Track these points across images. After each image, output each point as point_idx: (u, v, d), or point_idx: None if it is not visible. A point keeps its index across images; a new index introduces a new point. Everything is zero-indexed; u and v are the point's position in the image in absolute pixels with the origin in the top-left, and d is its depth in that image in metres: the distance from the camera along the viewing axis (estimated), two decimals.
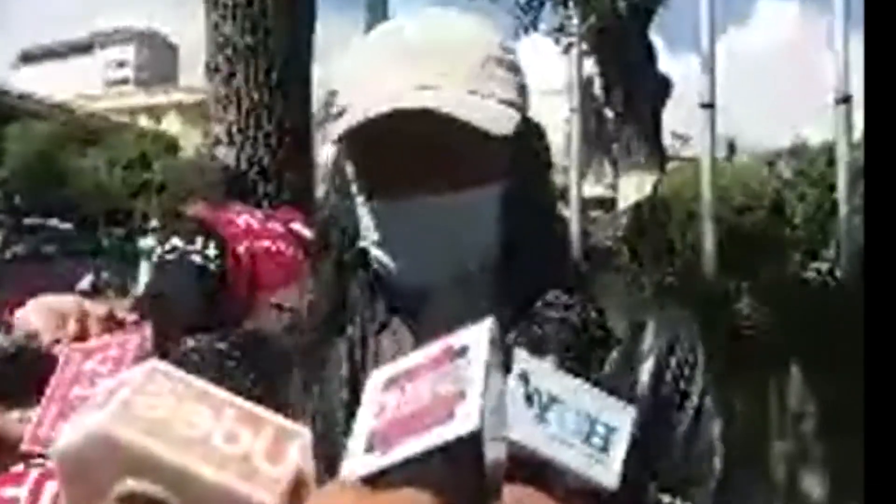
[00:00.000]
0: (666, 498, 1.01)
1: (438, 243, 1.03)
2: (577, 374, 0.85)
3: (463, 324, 0.84)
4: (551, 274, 1.08)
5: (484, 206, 1.05)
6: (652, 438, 1.00)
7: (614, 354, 1.05)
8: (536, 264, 1.08)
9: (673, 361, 1.07)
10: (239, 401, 0.78)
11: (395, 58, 1.04)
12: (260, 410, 0.78)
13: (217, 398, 0.77)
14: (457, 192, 1.03)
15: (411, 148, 1.01)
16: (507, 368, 0.83)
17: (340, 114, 1.06)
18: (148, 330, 1.03)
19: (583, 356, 1.02)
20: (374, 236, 1.07)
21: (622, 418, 0.83)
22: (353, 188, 1.09)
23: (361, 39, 1.14)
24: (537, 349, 0.97)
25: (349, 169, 1.10)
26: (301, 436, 0.78)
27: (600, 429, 0.81)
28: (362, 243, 1.09)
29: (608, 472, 0.80)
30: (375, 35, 1.13)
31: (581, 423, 0.81)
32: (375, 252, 1.07)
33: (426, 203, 1.02)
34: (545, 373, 0.83)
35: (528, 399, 0.81)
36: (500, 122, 1.01)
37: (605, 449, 0.81)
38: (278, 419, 0.78)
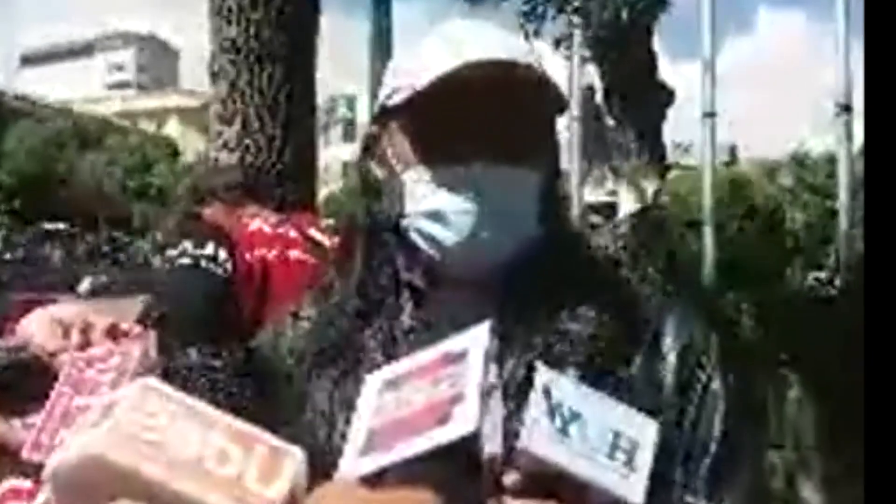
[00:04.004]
0: (690, 498, 1.00)
1: (488, 218, 1.03)
2: (599, 389, 0.85)
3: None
4: (567, 274, 1.08)
5: (529, 188, 1.06)
6: (677, 436, 1.01)
7: (638, 358, 1.04)
8: (556, 263, 1.08)
9: (692, 358, 1.06)
10: (232, 420, 0.77)
11: (448, 41, 1.06)
12: (253, 429, 0.77)
13: (210, 417, 0.77)
14: (511, 167, 1.04)
15: (475, 113, 1.02)
16: (529, 383, 0.82)
17: (390, 95, 1.07)
18: (152, 339, 1.02)
19: (605, 370, 1.01)
20: (427, 206, 1.05)
21: (646, 433, 0.82)
22: (400, 163, 1.08)
23: (420, 36, 1.15)
24: (559, 364, 0.96)
25: (401, 141, 1.08)
26: (293, 454, 0.77)
27: (624, 444, 0.80)
28: (406, 221, 1.08)
29: (633, 488, 0.78)
30: (432, 31, 1.14)
31: (604, 438, 0.80)
32: (424, 225, 1.06)
33: (485, 172, 1.03)
34: (568, 388, 0.82)
35: (551, 414, 0.80)
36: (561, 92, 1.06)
37: (629, 464, 0.79)
38: (271, 438, 0.77)
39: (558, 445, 0.78)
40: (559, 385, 0.82)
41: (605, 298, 1.06)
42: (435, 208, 1.04)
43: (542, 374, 0.82)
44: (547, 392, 0.81)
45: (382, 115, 1.10)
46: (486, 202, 1.03)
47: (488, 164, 1.02)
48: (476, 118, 1.02)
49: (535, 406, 0.80)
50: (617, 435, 0.81)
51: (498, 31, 1.10)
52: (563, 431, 0.79)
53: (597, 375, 0.98)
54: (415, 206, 1.06)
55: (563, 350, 1.02)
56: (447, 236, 1.04)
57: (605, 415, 0.82)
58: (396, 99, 1.06)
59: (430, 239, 1.06)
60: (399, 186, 1.08)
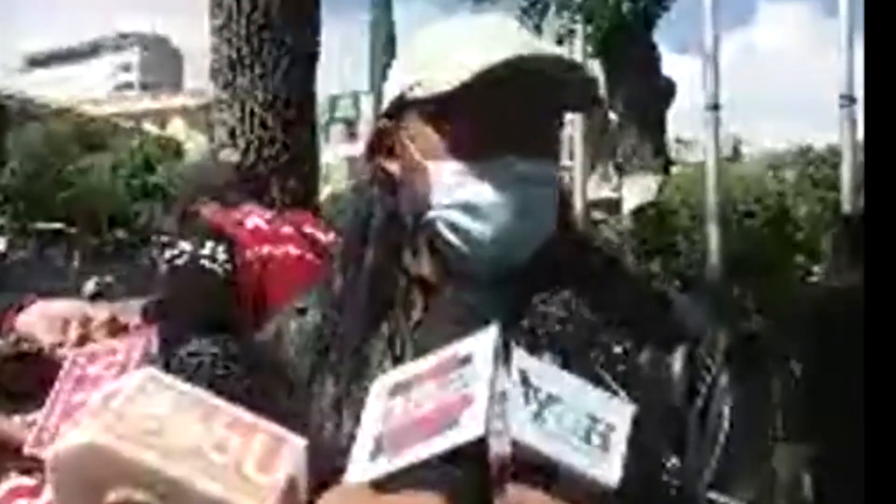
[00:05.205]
0: (713, 495, 1.00)
1: (521, 213, 1.02)
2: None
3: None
4: (575, 270, 1.08)
5: (554, 183, 1.06)
6: (686, 429, 1.02)
7: (646, 353, 1.04)
8: (565, 258, 1.08)
9: (700, 352, 1.06)
10: (232, 408, 0.78)
11: (477, 35, 1.05)
12: (254, 418, 0.78)
13: (211, 406, 0.77)
14: (545, 162, 1.04)
15: (517, 108, 1.02)
16: (507, 365, 0.82)
17: (412, 88, 1.05)
18: (153, 335, 1.02)
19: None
20: (461, 198, 1.03)
21: (621, 416, 0.82)
22: (426, 156, 1.05)
23: (427, 28, 1.13)
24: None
25: (427, 133, 1.05)
26: (293, 443, 0.78)
27: (600, 427, 0.80)
28: (434, 213, 1.05)
29: (608, 471, 0.78)
30: (442, 25, 1.13)
31: (580, 422, 0.80)
32: (456, 217, 1.04)
33: (522, 166, 1.02)
34: (543, 372, 0.82)
35: (527, 397, 0.79)
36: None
37: (604, 447, 0.79)
38: (271, 427, 0.78)
39: (534, 428, 0.78)
40: (535, 369, 0.81)
41: (612, 293, 1.06)
42: (470, 201, 1.02)
43: (518, 359, 0.82)
44: (523, 376, 0.80)
45: (398, 109, 1.08)
46: (520, 197, 1.02)
47: (525, 158, 1.02)
48: (517, 112, 1.02)
49: (511, 389, 0.79)
50: (594, 419, 0.80)
51: (522, 27, 1.10)
52: (539, 415, 0.79)
53: (605, 370, 0.99)
54: (445, 198, 1.04)
55: (571, 344, 1.01)
56: (480, 229, 1.03)
57: (582, 399, 0.81)
58: (425, 91, 1.03)
59: (462, 232, 1.04)
60: (423, 179, 1.05)
